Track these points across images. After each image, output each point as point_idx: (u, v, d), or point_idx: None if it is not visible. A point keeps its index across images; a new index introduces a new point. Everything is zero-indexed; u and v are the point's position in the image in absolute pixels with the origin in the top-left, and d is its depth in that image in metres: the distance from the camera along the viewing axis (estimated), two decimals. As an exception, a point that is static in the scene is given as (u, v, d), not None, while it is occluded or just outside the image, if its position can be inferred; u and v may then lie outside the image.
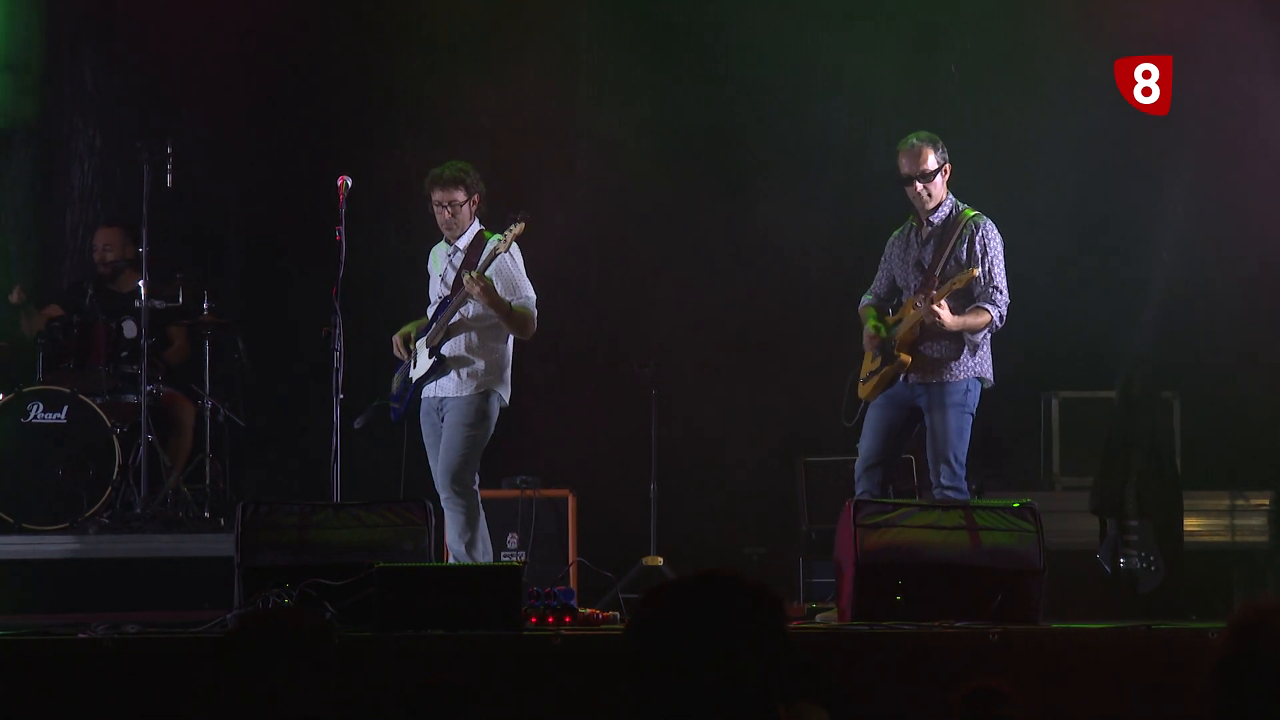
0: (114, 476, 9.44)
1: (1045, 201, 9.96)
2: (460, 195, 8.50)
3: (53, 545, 9.20)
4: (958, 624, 7.16)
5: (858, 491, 8.16)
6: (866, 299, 8.60)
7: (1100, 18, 9.90)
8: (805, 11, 10.47)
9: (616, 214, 10.40)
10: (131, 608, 8.41)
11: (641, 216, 10.38)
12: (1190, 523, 8.98)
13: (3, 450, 9.42)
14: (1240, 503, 9.39)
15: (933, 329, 8.15)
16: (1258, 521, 9.34)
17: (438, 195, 8.52)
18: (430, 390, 8.52)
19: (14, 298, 10.02)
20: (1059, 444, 9.85)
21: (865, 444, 8.33)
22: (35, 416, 9.49)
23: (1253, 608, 3.07)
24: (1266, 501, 9.29)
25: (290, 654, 3.40)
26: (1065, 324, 9.96)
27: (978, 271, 8.09)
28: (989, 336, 8.23)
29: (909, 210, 8.46)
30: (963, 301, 8.18)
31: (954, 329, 8.11)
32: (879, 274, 8.58)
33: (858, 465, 8.33)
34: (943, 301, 8.05)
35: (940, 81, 10.55)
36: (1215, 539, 9.34)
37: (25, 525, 9.28)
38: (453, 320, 8.47)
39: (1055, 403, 9.87)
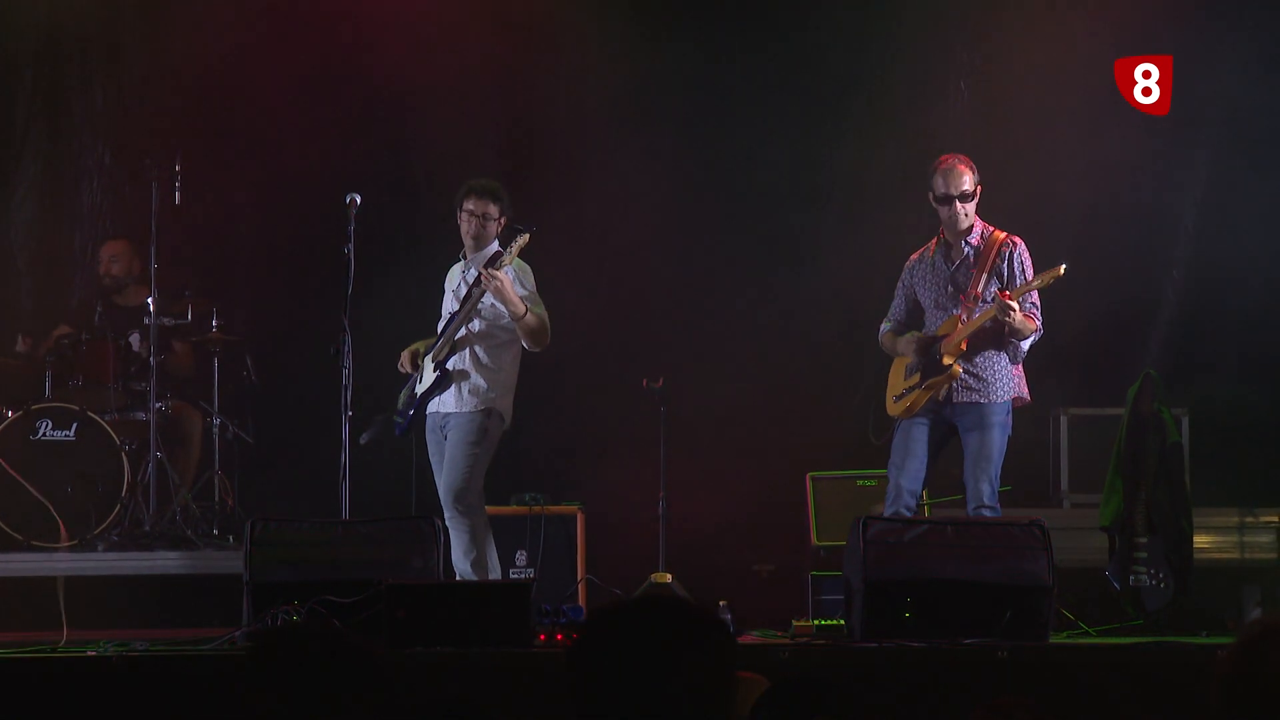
0: (123, 494, 9.43)
1: (1053, 216, 9.95)
2: (493, 209, 8.48)
3: (61, 563, 9.19)
4: (967, 641, 7.15)
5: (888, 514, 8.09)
6: (887, 326, 8.54)
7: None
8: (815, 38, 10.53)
9: (625, 228, 10.40)
10: (140, 625, 8.43)
11: (650, 231, 10.37)
12: (1199, 540, 8.95)
13: (12, 467, 9.41)
14: (1249, 520, 9.37)
15: (981, 342, 8.13)
16: (1267, 539, 9.31)
17: (471, 204, 8.48)
18: (434, 406, 8.50)
19: (20, 348, 10.04)
20: (1067, 461, 9.81)
21: (910, 466, 8.20)
22: (44, 434, 9.48)
23: (1260, 624, 3.06)
24: (1276, 519, 9.27)
25: (340, 669, 3.35)
26: (1074, 341, 9.94)
27: (1062, 269, 7.98)
28: (1022, 357, 8.23)
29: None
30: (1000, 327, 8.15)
31: (1018, 325, 7.98)
32: (897, 299, 8.53)
33: (893, 490, 8.21)
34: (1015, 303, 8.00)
35: (949, 98, 10.56)
36: (1224, 556, 9.31)
37: (34, 543, 9.28)
38: (459, 335, 8.46)
39: (1064, 420, 9.84)
